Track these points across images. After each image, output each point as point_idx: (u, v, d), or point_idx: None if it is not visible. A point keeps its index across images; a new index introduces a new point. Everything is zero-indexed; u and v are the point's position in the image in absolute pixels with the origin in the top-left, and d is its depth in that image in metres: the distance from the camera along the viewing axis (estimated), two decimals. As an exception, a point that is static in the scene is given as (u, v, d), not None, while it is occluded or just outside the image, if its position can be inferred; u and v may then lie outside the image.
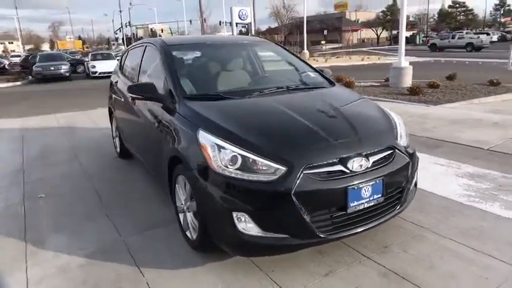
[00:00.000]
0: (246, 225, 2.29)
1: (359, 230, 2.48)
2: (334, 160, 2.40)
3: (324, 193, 2.30)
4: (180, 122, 2.79)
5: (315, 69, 3.82)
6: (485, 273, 2.42)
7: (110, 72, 20.86)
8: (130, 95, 3.16)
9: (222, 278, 2.49)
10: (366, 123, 2.79)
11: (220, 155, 2.36)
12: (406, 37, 55.39)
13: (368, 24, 62.40)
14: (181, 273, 2.57)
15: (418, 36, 50.97)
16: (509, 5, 62.46)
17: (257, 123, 2.67)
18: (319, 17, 60.46)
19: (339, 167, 2.39)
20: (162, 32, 68.20)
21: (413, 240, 2.85)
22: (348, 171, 2.39)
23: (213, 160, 2.36)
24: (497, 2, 62.23)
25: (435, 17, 66.61)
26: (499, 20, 63.91)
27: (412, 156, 2.81)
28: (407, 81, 10.95)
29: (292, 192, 2.23)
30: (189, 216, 2.77)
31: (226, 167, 2.33)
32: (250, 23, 27.85)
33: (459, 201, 3.45)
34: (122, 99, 4.38)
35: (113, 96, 4.92)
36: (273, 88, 3.24)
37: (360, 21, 64.22)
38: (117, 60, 22.58)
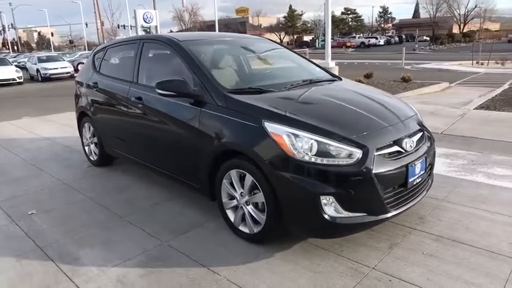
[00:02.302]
0: (331, 207, 2.40)
1: (412, 203, 2.77)
2: (390, 142, 2.64)
3: (393, 171, 2.53)
4: (231, 115, 2.75)
5: (318, 65, 4.04)
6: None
7: (9, 80, 18.55)
8: (159, 91, 3.00)
9: (300, 265, 2.54)
10: (399, 109, 3.09)
11: (298, 142, 2.42)
12: (307, 41, 58.35)
13: (271, 29, 65.32)
14: (258, 266, 2.55)
15: (317, 41, 54.95)
16: (390, 13, 71.80)
17: (316, 111, 2.78)
18: (223, 21, 61.13)
19: (397, 148, 2.64)
20: (52, 35, 62.48)
21: (439, 210, 3.24)
22: (403, 151, 2.66)
23: (291, 148, 2.41)
24: (381, 10, 70.87)
25: (329, 23, 72.54)
26: (382, 25, 72.59)
27: (432, 136, 3.20)
28: (335, 80, 11.90)
29: (373, 172, 2.41)
30: (249, 209, 2.76)
31: (306, 153, 2.40)
32: (156, 26, 27.18)
33: (451, 176, 3.99)
34: (112, 101, 4.05)
35: (91, 99, 4.49)
36: (300, 81, 3.37)
37: (262, 26, 66.85)
38: (15, 66, 20.19)
